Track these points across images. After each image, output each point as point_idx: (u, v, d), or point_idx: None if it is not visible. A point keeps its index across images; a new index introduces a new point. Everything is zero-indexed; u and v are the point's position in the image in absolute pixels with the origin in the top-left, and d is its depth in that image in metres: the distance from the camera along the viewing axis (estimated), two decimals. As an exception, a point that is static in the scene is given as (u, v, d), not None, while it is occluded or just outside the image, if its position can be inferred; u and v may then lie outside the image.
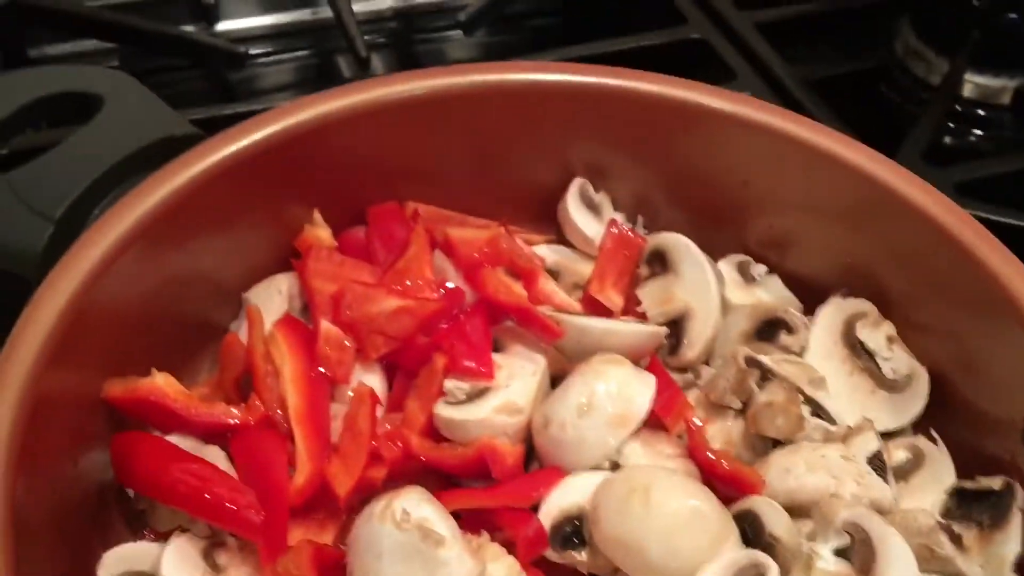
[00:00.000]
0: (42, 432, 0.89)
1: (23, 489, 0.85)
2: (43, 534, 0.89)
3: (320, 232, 1.19)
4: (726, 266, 1.21)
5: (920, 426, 1.09)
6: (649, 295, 1.15)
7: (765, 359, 1.03)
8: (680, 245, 1.14)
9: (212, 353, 1.15)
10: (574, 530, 0.95)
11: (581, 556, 0.93)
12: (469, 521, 0.95)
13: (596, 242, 1.23)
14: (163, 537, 0.97)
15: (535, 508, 0.97)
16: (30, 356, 0.89)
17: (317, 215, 1.20)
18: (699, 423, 1.01)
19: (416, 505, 0.90)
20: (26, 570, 0.80)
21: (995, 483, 0.96)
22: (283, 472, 0.98)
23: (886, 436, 1.05)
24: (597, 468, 0.99)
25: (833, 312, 1.14)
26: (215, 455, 1.01)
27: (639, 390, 0.99)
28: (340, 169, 1.20)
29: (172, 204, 1.04)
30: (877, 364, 1.10)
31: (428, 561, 0.87)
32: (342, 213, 1.22)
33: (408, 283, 1.11)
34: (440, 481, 1.02)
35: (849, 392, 1.09)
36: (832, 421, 1.01)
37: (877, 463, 0.98)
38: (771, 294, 1.20)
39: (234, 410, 1.03)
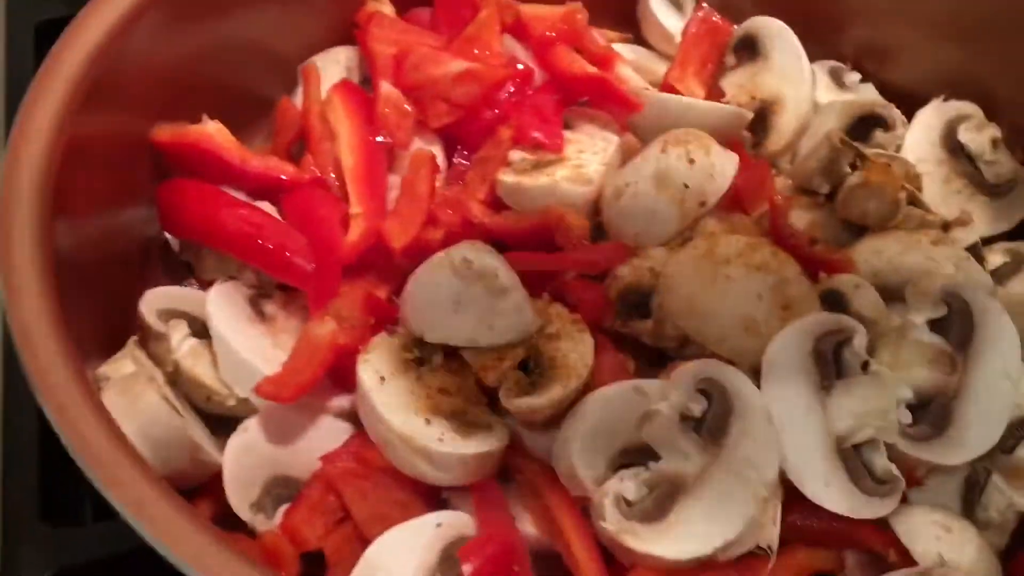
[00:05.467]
0: (80, 175, 0.84)
1: (65, 231, 0.81)
2: (86, 277, 0.85)
3: (383, 6, 1.11)
4: (818, 70, 1.12)
5: (1021, 234, 1.00)
6: (735, 84, 1.06)
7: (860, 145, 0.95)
8: (774, 28, 1.05)
9: (266, 127, 1.09)
10: (640, 301, 0.88)
11: (646, 325, 0.87)
12: (530, 287, 0.89)
13: (676, 39, 1.15)
14: (207, 287, 0.93)
15: (600, 279, 0.91)
16: (59, 96, 0.83)
17: (381, -13, 1.12)
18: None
19: (478, 254, 0.84)
20: (69, 306, 0.76)
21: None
22: (335, 227, 0.93)
23: (984, 242, 0.97)
24: (667, 244, 0.92)
25: (933, 113, 1.05)
26: (266, 210, 0.96)
27: (722, 163, 0.92)
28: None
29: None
30: (978, 168, 1.02)
31: (486, 310, 0.82)
32: (407, -10, 1.14)
33: (476, 52, 1.03)
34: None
35: (945, 196, 1.00)
36: (929, 212, 0.93)
37: (976, 256, 0.90)
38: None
39: (287, 166, 0.98)
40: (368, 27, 1.06)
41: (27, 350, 0.66)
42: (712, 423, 0.75)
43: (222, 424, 0.87)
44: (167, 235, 0.98)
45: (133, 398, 0.75)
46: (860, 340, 0.78)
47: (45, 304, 0.70)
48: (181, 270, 0.98)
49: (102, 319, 0.88)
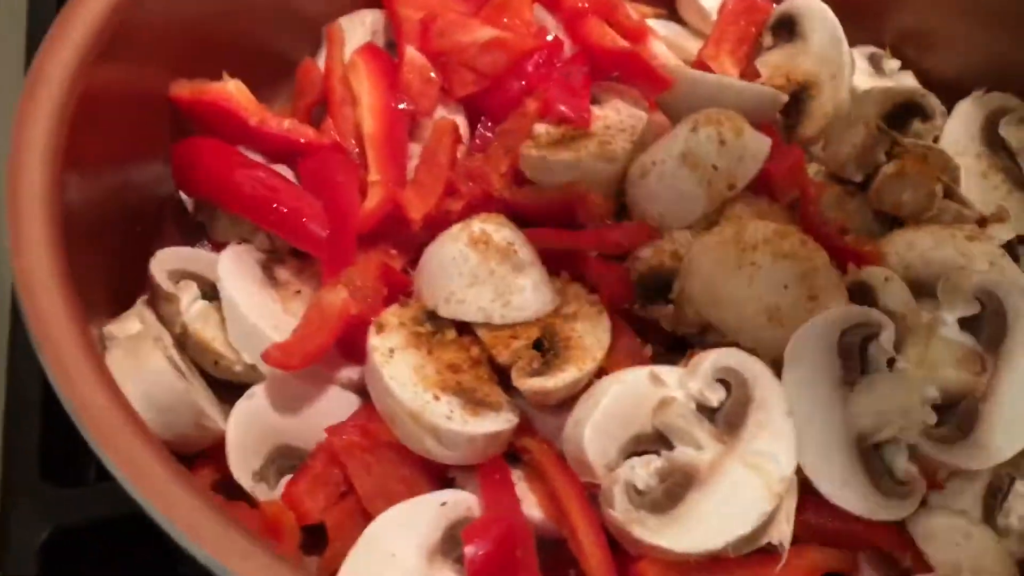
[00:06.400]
0: (95, 128, 0.82)
1: (76, 184, 0.79)
2: (96, 233, 0.84)
3: (411, -30, 1.08)
4: (856, 55, 1.08)
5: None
6: (771, 65, 1.03)
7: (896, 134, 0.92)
8: (814, 9, 1.02)
9: (287, 88, 1.07)
10: (661, 285, 0.86)
11: (666, 310, 0.85)
12: (549, 265, 0.87)
13: (711, 17, 1.11)
14: (220, 249, 0.91)
15: (621, 260, 0.88)
16: (76, 44, 0.81)
17: (410, -48, 1.09)
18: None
19: (497, 228, 0.82)
20: (77, 262, 0.74)
21: None
22: (353, 194, 0.91)
23: (1020, 240, 0.94)
24: (692, 228, 0.89)
25: (973, 106, 1.02)
26: (283, 174, 0.94)
27: (754, 145, 0.89)
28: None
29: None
30: (1018, 164, 0.98)
31: (502, 286, 0.80)
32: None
33: (505, 20, 1.00)
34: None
35: (983, 190, 0.97)
36: (965, 206, 0.89)
37: (1011, 254, 0.87)
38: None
39: (307, 129, 0.96)
40: (395, -11, 1.03)
41: (29, 302, 0.65)
42: (729, 413, 0.73)
43: (229, 390, 0.85)
44: (181, 194, 0.96)
45: (138, 359, 0.74)
46: (888, 335, 0.75)
47: (51, 257, 0.68)
48: (194, 231, 0.96)
49: (112, 277, 0.87)
